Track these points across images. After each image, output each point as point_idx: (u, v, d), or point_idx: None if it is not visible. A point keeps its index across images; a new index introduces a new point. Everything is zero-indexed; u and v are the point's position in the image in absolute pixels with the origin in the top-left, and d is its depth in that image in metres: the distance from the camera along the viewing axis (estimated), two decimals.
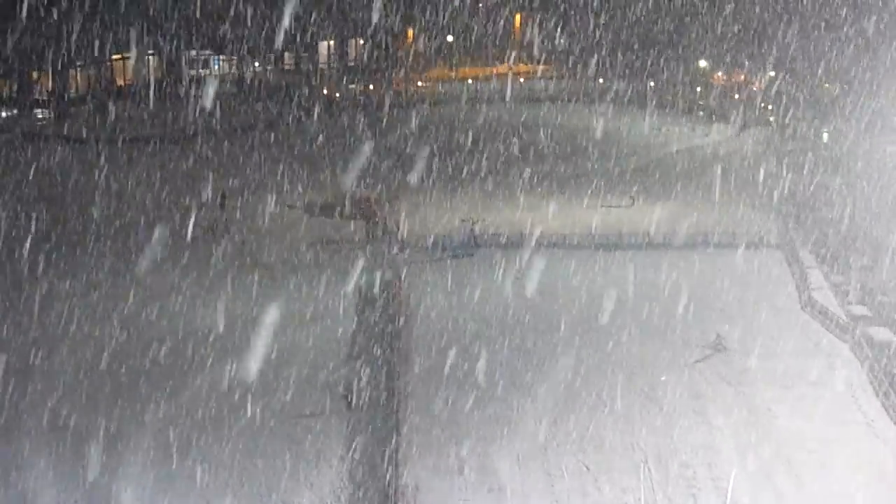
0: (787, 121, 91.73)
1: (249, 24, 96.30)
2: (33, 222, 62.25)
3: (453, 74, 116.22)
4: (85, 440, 39.98)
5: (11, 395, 42.74)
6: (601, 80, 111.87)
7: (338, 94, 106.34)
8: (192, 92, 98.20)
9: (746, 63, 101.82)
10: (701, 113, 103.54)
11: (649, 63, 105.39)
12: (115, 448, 39.66)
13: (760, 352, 48.05)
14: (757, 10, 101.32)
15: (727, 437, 41.14)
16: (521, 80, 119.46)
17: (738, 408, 43.53)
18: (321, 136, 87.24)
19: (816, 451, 39.72)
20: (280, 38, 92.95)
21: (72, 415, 41.96)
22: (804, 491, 37.26)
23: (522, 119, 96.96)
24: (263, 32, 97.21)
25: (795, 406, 43.37)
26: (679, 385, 45.40)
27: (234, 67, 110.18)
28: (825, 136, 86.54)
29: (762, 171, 76.46)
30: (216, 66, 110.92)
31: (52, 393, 43.78)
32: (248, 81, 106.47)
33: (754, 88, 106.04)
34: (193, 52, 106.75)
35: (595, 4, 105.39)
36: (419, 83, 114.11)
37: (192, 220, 64.12)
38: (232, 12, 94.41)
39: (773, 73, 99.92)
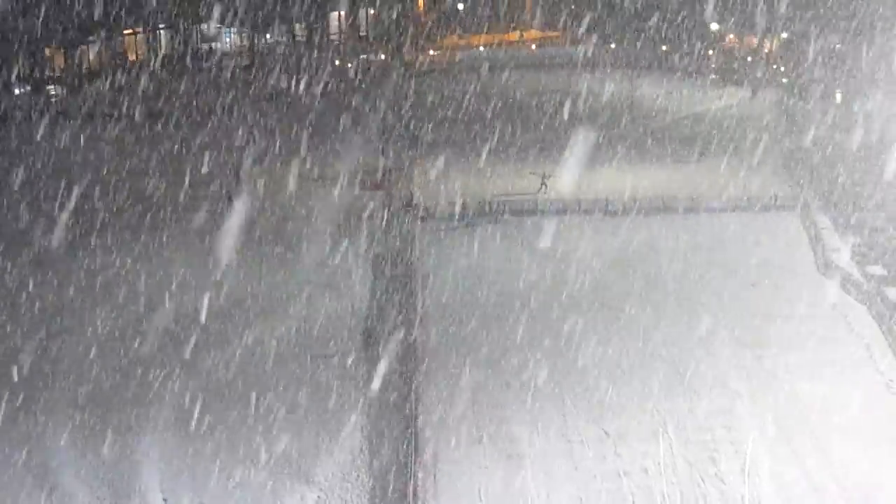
0: (800, 82, 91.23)
1: None
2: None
3: (464, 42, 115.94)
4: None
5: None
6: (612, 45, 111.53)
7: (349, 65, 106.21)
8: (205, 66, 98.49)
9: (758, 25, 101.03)
10: (713, 76, 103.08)
11: (660, 27, 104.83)
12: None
13: (777, 314, 48.28)
14: None
15: (745, 400, 41.42)
16: (533, 46, 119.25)
17: (756, 371, 43.80)
18: (334, 107, 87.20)
19: (835, 412, 39.94)
20: (291, 10, 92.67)
21: None
22: (824, 453, 37.54)
23: (540, 86, 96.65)
24: (274, 4, 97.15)
25: (814, 368, 43.60)
26: (694, 349, 45.69)
27: (245, 40, 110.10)
28: (838, 96, 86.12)
29: (776, 133, 76.21)
30: (228, 39, 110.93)
31: None
32: (260, 53, 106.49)
33: (766, 51, 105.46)
34: (205, 26, 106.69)
35: None
36: (431, 52, 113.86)
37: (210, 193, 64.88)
38: None
39: (785, 35, 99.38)
